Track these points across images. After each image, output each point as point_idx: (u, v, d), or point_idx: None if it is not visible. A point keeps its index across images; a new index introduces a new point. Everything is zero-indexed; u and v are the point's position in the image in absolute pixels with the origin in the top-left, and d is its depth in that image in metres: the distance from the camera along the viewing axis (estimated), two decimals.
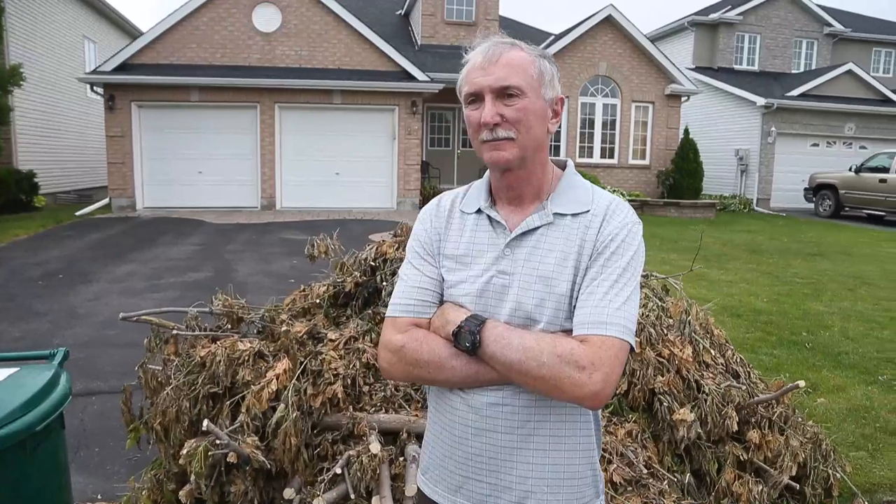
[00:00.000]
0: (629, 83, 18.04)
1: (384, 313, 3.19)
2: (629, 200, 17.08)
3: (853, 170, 17.10)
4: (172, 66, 14.94)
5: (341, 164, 15.91)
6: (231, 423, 2.62)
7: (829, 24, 23.50)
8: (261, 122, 15.37)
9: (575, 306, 1.27)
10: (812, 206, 18.52)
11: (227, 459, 2.44)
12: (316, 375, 2.77)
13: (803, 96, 19.89)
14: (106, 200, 14.96)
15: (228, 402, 2.62)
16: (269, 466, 2.50)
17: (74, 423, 3.90)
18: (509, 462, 1.30)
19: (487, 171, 1.49)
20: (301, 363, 2.77)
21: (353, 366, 2.84)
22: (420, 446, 2.77)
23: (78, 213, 13.81)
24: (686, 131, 17.94)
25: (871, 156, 17.43)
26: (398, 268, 3.11)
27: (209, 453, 2.38)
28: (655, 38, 22.13)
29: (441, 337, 1.31)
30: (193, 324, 2.90)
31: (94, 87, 15.10)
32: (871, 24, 25.82)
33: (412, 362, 1.32)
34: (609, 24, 17.71)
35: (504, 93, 1.29)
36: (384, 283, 3.07)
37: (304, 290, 3.19)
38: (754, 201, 19.28)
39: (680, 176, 17.61)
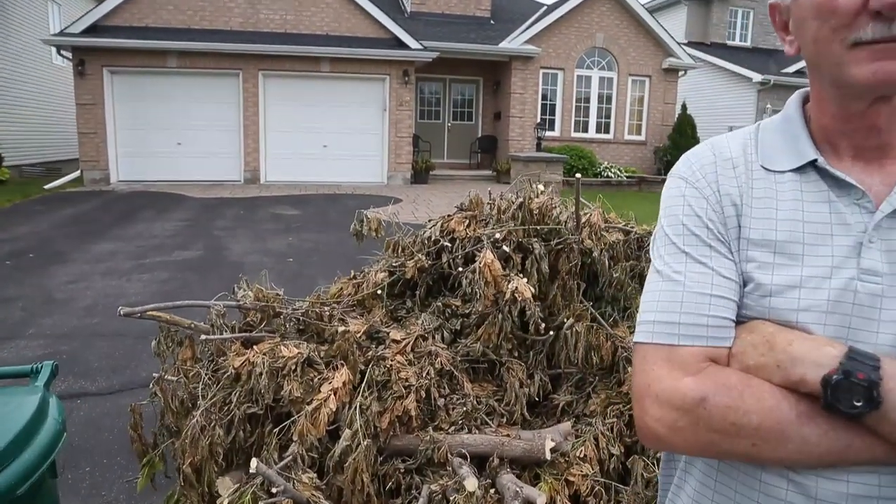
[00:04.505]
0: (626, 56, 17.45)
1: (456, 306, 2.62)
2: (626, 177, 16.59)
3: None
4: (147, 28, 13.90)
5: (329, 137, 15.09)
6: (278, 451, 2.01)
7: None
8: (243, 90, 14.45)
9: None
10: None
11: None
12: (381, 387, 2.16)
13: (799, 73, 19.46)
14: (77, 173, 13.97)
15: (276, 429, 1.99)
16: None
17: None
18: None
19: (794, 103, 0.88)
20: (362, 372, 2.16)
21: (427, 374, 2.23)
22: (512, 474, 2.20)
23: (47, 187, 12.83)
24: (684, 107, 17.45)
25: None
26: (473, 250, 2.49)
27: (259, 503, 1.75)
28: (649, 11, 21.49)
29: (773, 383, 0.73)
30: (220, 322, 2.24)
31: (62, 51, 14.01)
32: None
33: (726, 429, 0.73)
34: None
35: None
36: (459, 269, 2.44)
37: (354, 278, 2.56)
38: None
39: (678, 152, 17.06)
